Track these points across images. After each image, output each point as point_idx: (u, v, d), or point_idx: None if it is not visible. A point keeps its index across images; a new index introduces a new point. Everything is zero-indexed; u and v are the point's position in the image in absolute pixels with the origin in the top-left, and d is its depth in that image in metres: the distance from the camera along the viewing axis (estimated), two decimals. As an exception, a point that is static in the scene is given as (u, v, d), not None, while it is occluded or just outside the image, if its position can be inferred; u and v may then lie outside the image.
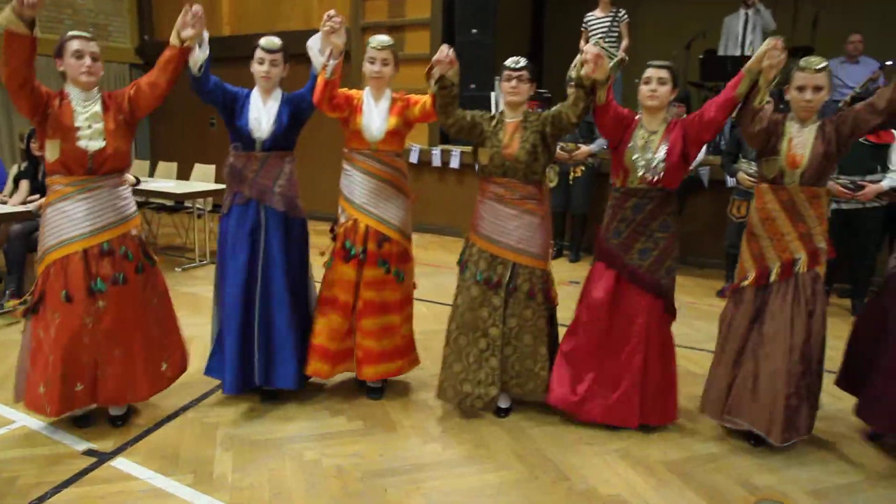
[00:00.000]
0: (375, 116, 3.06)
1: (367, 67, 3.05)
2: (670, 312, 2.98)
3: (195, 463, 2.74)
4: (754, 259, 2.85)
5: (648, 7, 9.50)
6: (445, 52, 2.80)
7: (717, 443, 2.98)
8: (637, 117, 2.94)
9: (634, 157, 2.84)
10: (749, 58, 2.77)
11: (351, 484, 2.60)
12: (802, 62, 2.71)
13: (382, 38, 3.06)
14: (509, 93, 2.96)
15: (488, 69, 7.11)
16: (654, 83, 2.85)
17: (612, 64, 7.66)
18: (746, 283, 2.85)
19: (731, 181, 5.18)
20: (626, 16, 7.04)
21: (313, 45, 3.00)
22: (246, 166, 3.06)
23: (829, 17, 7.52)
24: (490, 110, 3.29)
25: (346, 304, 3.16)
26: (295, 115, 3.11)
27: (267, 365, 3.12)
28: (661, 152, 2.81)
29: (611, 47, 6.76)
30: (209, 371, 3.23)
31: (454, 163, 7.27)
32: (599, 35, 6.99)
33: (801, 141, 2.75)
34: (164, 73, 2.83)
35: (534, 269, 2.99)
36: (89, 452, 2.80)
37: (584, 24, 7.16)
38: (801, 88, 2.72)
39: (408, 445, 2.91)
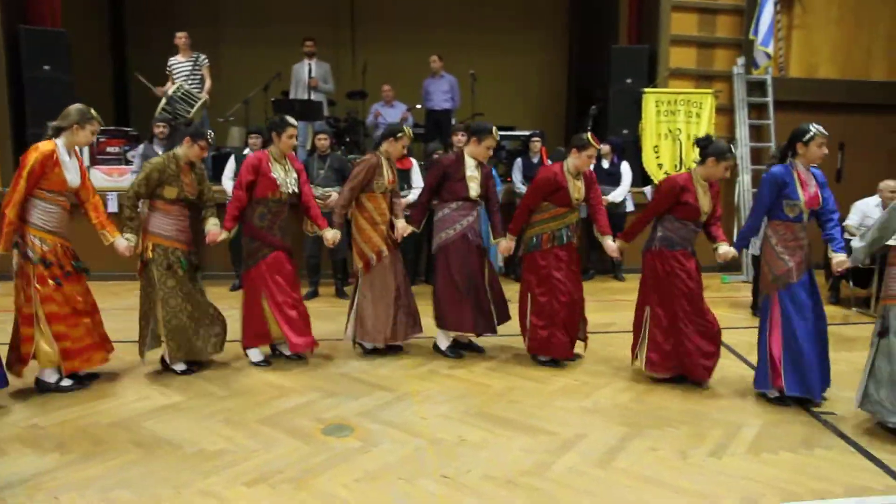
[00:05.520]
0: (73, 169, 3.95)
1: (90, 137, 4.00)
2: None
3: None
4: (360, 254, 4.67)
5: (228, 51, 10.39)
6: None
7: (297, 397, 3.96)
8: (267, 153, 4.45)
9: (282, 180, 4.41)
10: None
11: (-34, 504, 2.77)
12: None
13: None
14: (198, 154, 4.29)
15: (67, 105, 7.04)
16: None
17: (198, 105, 8.42)
18: (374, 262, 4.66)
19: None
20: (206, 59, 7.77)
21: None
22: None
23: (374, 67, 9.42)
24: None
25: (82, 311, 4.00)
26: None
27: None
28: (294, 177, 4.52)
29: (194, 88, 7.47)
30: None
31: (112, 206, 6.79)
32: (183, 78, 7.58)
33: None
34: None
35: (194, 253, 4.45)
36: None
37: (168, 68, 7.66)
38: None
39: (24, 462, 3.13)
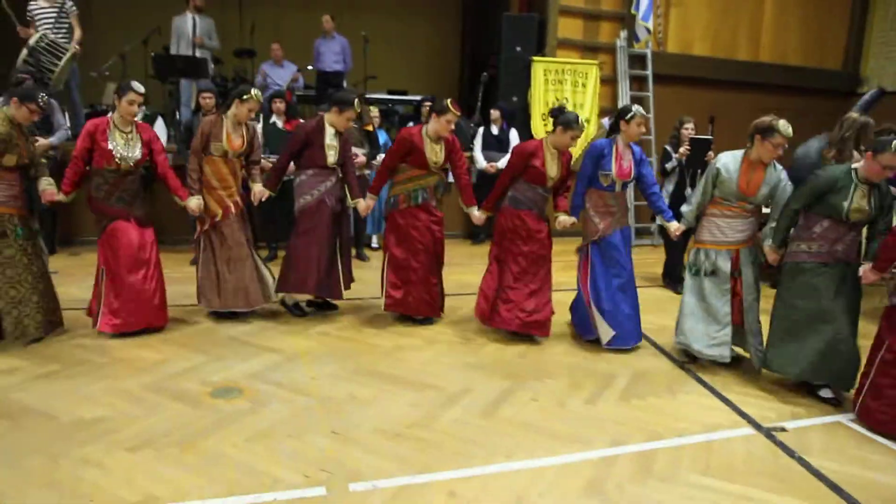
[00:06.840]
0: None
1: None
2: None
3: None
4: (208, 211, 4.49)
5: (100, -1, 9.61)
6: None
7: (183, 362, 3.87)
8: (109, 119, 4.17)
9: (119, 151, 4.11)
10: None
11: None
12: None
13: None
14: (26, 117, 3.95)
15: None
16: None
17: (66, 57, 7.81)
18: (219, 217, 4.49)
19: None
20: (74, 7, 7.13)
21: None
22: None
23: (263, 26, 9.06)
24: None
25: None
26: None
27: None
28: (138, 148, 4.19)
29: (62, 39, 6.89)
30: None
31: None
32: (47, 26, 6.96)
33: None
34: None
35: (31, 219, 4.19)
36: None
37: (28, 14, 7.00)
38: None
39: None
